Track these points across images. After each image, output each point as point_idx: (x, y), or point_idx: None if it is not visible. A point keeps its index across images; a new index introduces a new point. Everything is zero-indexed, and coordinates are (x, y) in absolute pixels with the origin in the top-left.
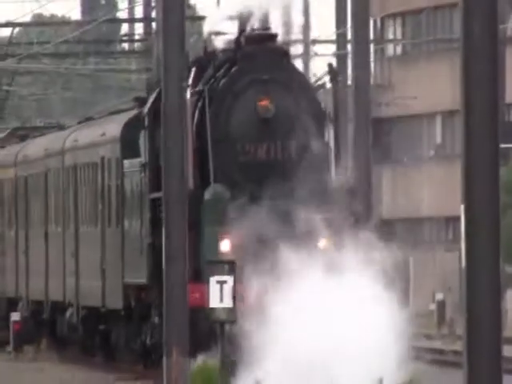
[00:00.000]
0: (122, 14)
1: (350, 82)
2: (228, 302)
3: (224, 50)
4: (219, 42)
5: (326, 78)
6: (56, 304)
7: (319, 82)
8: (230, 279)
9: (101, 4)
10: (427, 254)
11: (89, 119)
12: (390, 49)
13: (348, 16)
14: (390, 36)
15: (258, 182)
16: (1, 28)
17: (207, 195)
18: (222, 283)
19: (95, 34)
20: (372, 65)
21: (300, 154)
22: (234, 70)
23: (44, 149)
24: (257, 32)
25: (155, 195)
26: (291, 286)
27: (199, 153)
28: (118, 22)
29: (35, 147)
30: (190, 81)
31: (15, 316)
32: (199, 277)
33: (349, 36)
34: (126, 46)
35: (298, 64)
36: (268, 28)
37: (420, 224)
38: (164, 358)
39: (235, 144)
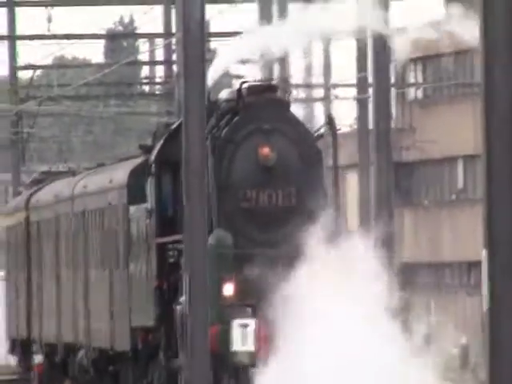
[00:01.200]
0: (143, 57)
1: (371, 127)
2: (250, 346)
3: (227, 100)
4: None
5: (325, 128)
6: (68, 346)
7: (319, 132)
8: (252, 322)
9: (122, 47)
10: (449, 298)
11: (100, 165)
12: (411, 93)
13: (369, 60)
14: (411, 80)
15: (260, 227)
16: (22, 70)
17: (211, 240)
18: (244, 326)
19: (116, 76)
20: (393, 109)
21: (300, 200)
22: (235, 119)
23: (54, 195)
24: (258, 83)
25: (161, 240)
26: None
27: None
28: (139, 64)
29: (46, 192)
30: None
31: (37, 358)
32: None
33: (370, 79)
34: (146, 88)
35: (319, 107)
36: (270, 79)
37: (442, 268)
38: None
39: (237, 191)
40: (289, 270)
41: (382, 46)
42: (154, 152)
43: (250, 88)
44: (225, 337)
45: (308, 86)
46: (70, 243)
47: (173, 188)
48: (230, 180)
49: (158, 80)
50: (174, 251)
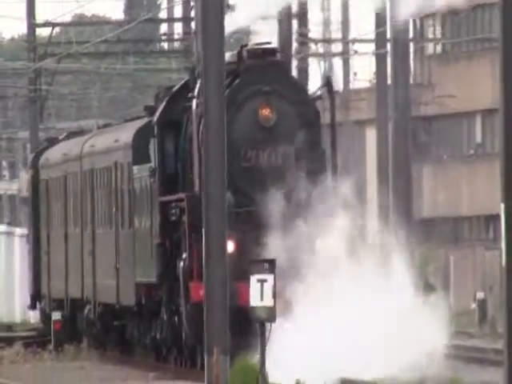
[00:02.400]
0: (162, 14)
1: (389, 82)
2: (269, 301)
3: (228, 63)
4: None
5: (324, 90)
6: (75, 301)
7: (317, 94)
8: (270, 278)
9: (141, 3)
10: (467, 252)
11: (107, 126)
12: (429, 48)
13: (387, 15)
14: (430, 35)
15: (260, 186)
16: (41, 28)
17: None
18: (262, 282)
19: (135, 33)
20: (411, 64)
21: (299, 160)
22: (236, 82)
23: (63, 153)
24: (258, 46)
25: (164, 199)
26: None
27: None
28: (158, 21)
29: (55, 152)
30: (196, 92)
31: (56, 315)
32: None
33: (388, 35)
34: (165, 45)
35: (338, 62)
36: (269, 43)
37: (460, 223)
38: (205, 357)
39: (238, 151)
40: (289, 228)
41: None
42: (157, 114)
43: (250, 51)
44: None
45: (327, 40)
46: (78, 202)
47: (175, 148)
48: (230, 140)
49: (176, 37)
50: (176, 209)
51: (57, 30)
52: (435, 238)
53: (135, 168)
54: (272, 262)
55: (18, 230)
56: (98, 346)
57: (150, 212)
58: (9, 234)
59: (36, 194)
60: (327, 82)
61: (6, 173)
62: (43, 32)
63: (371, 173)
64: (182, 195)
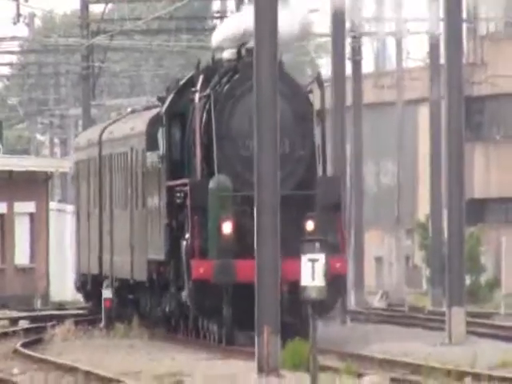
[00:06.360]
0: None
1: (442, 61)
2: (320, 281)
3: (228, 60)
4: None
5: (314, 84)
6: (95, 277)
7: (309, 88)
8: (321, 257)
9: None
10: None
11: (133, 112)
12: (482, 27)
13: None
14: (483, 15)
15: None
16: (94, 4)
17: (212, 184)
18: (313, 261)
19: (187, 10)
20: (464, 43)
21: (292, 149)
22: (235, 77)
23: (88, 139)
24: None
25: (171, 183)
26: None
27: (206, 148)
28: None
29: (83, 136)
30: (199, 86)
31: (106, 293)
32: (204, 254)
33: (441, 14)
34: (217, 22)
35: (391, 41)
36: None
37: None
38: (255, 337)
39: (237, 140)
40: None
41: None
42: (165, 105)
43: (248, 49)
44: (221, 270)
45: (380, 20)
46: (97, 184)
47: (181, 137)
48: (230, 130)
49: (229, 14)
50: (181, 193)
51: (109, 6)
52: (487, 218)
53: (148, 154)
54: (323, 241)
55: (70, 207)
56: (148, 325)
57: (159, 195)
58: (60, 211)
59: (76, 175)
60: (318, 77)
61: (57, 150)
62: (96, 9)
63: (423, 152)
64: (185, 180)
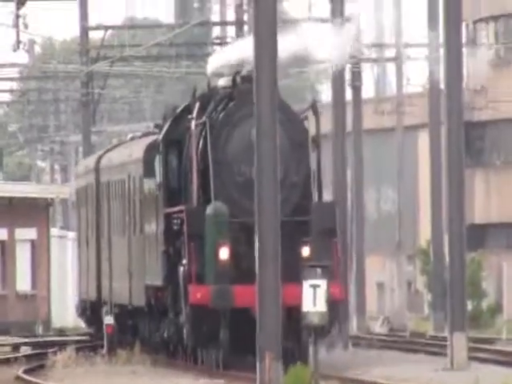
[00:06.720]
0: (214, 17)
1: (442, 86)
2: (322, 306)
3: (223, 87)
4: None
5: (309, 111)
6: (94, 303)
7: (303, 115)
8: (323, 283)
9: (193, 7)
10: None
11: (133, 138)
12: (482, 52)
13: (440, 20)
14: (483, 40)
15: (252, 198)
16: (93, 30)
17: (209, 210)
18: (315, 287)
19: (187, 36)
20: (464, 69)
21: (287, 175)
22: (231, 104)
23: (86, 166)
24: (251, 73)
25: (168, 210)
26: None
27: (202, 175)
28: (210, 25)
29: (82, 164)
30: (195, 114)
31: (108, 319)
32: (201, 279)
33: (441, 39)
34: (217, 49)
35: (391, 67)
36: None
37: None
38: (257, 362)
39: (232, 166)
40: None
41: (454, 4)
42: (162, 132)
43: (243, 77)
44: (218, 295)
45: (380, 45)
46: (95, 211)
47: (178, 164)
48: (226, 157)
49: (229, 40)
50: (178, 220)
51: (109, 32)
52: (488, 244)
53: (145, 180)
54: (325, 267)
55: (71, 234)
56: (150, 351)
57: (156, 221)
58: (61, 237)
59: (76, 202)
60: (313, 104)
61: (58, 176)
62: (95, 35)
63: (424, 177)
64: (182, 207)
